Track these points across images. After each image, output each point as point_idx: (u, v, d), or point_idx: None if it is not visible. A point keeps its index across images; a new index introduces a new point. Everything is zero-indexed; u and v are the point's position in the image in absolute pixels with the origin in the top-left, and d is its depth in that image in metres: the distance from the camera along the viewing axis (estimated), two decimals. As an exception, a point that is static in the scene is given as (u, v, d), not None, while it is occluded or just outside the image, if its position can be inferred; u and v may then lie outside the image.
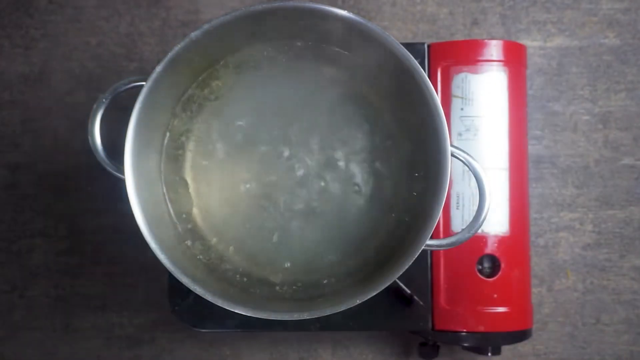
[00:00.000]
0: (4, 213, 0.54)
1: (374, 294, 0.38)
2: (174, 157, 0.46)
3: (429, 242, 0.38)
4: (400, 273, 0.37)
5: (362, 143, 0.45)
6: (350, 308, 0.38)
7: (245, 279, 0.45)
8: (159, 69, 0.40)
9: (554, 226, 0.54)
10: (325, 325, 0.47)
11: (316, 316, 0.39)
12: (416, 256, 0.37)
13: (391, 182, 0.44)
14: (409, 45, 0.42)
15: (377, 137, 0.45)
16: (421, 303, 0.46)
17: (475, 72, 0.46)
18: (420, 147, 0.44)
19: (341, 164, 0.45)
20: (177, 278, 0.39)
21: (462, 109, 0.47)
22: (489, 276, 0.46)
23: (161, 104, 0.44)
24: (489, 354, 0.47)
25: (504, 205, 0.46)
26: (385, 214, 0.44)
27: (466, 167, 0.42)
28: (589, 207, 0.54)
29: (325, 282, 0.45)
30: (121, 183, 0.40)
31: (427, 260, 0.46)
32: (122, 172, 0.40)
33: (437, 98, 0.39)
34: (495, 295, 0.46)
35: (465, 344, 0.46)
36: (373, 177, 0.45)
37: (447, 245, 0.39)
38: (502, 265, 0.46)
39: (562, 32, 0.54)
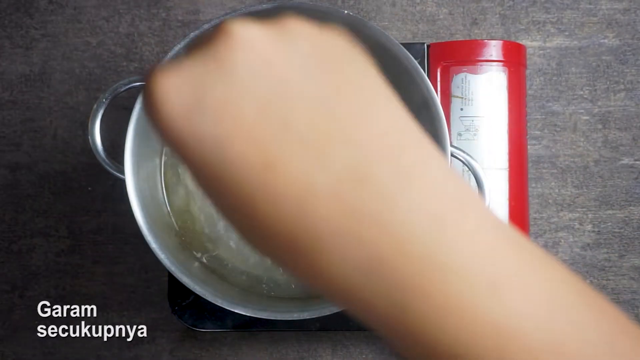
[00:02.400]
0: (4, 213, 0.54)
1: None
2: (174, 157, 0.46)
3: (428, 242, 0.38)
4: (400, 273, 0.37)
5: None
6: (350, 308, 0.38)
7: (245, 279, 0.45)
8: (159, 69, 0.40)
9: (554, 226, 0.54)
10: (325, 325, 0.47)
11: (316, 316, 0.39)
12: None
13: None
14: (408, 45, 0.42)
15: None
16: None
17: (475, 72, 0.46)
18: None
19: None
20: (177, 278, 0.39)
21: (461, 109, 0.47)
22: (488, 276, 0.46)
23: (161, 104, 0.44)
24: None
25: (504, 205, 0.46)
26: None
27: (466, 167, 0.42)
28: (589, 207, 0.54)
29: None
30: (121, 183, 0.40)
31: (426, 260, 0.46)
32: (122, 172, 0.40)
33: (437, 98, 0.39)
34: (495, 295, 0.46)
35: (465, 344, 0.46)
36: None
37: (446, 245, 0.39)
38: (502, 265, 0.46)
39: (562, 32, 0.54)
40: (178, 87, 0.18)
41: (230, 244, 0.46)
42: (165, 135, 0.18)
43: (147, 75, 0.19)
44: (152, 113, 0.18)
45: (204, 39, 0.19)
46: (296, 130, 0.17)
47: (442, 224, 0.17)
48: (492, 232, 0.18)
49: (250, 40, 0.18)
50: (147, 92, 0.18)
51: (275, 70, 0.18)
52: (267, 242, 0.18)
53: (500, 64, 0.47)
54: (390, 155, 0.18)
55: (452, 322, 0.17)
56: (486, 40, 0.47)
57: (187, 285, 0.39)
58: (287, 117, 0.18)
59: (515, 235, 0.19)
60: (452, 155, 0.39)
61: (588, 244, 0.54)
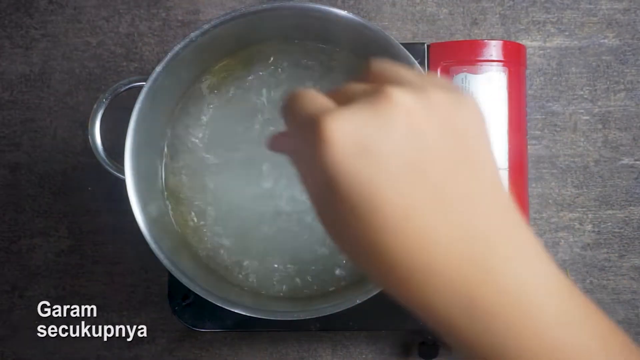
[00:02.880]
0: (4, 213, 0.54)
1: (374, 293, 0.38)
2: (174, 157, 0.46)
3: (428, 242, 0.38)
4: (400, 273, 0.37)
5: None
6: (350, 308, 0.38)
7: (245, 279, 0.45)
8: (159, 69, 0.40)
9: (554, 226, 0.54)
10: (325, 325, 0.47)
11: (316, 316, 0.39)
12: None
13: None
14: (408, 45, 0.42)
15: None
16: (421, 303, 0.46)
17: (475, 72, 0.47)
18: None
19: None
20: (177, 278, 0.39)
21: (461, 109, 0.47)
22: (488, 276, 0.46)
23: (161, 104, 0.44)
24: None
25: (504, 205, 0.46)
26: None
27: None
28: (589, 207, 0.54)
29: (324, 281, 0.45)
30: (121, 183, 0.40)
31: (426, 260, 0.46)
32: (122, 172, 0.40)
33: (437, 98, 0.39)
34: (495, 295, 0.46)
35: (465, 344, 0.46)
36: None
37: (446, 245, 0.39)
38: (502, 265, 0.46)
39: (562, 32, 0.55)
40: (349, 132, 0.21)
41: (231, 244, 0.46)
42: (327, 165, 0.22)
43: (319, 114, 0.22)
44: (321, 146, 0.22)
45: (364, 92, 0.23)
46: (432, 190, 0.22)
47: (531, 282, 0.22)
48: (561, 287, 0.23)
49: (407, 108, 0.22)
50: (320, 128, 0.22)
51: (423, 135, 0.22)
52: (386, 273, 0.22)
53: (500, 64, 0.47)
54: (496, 220, 0.23)
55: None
56: (486, 40, 0.47)
57: (187, 285, 0.39)
58: (427, 176, 0.22)
59: (575, 291, 0.23)
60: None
61: (588, 244, 0.54)
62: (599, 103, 0.54)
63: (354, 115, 0.22)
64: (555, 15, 0.55)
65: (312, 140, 0.22)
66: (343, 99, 0.23)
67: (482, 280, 0.22)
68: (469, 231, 0.22)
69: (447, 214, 0.22)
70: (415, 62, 0.39)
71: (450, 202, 0.22)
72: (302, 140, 0.23)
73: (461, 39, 0.54)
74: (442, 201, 0.22)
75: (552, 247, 0.54)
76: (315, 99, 0.24)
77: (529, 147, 0.51)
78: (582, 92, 0.54)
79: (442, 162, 0.22)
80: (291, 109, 0.24)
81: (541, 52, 0.54)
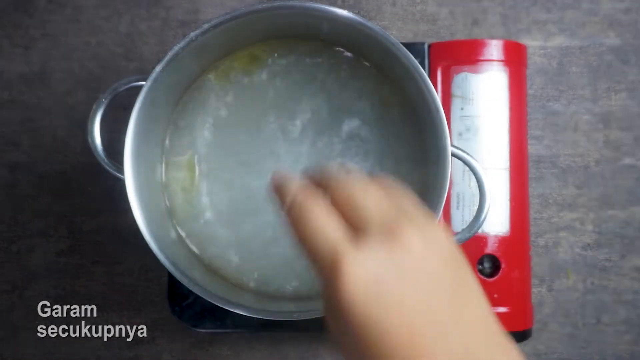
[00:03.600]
0: (4, 213, 0.54)
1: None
2: (174, 157, 0.46)
3: (429, 242, 0.38)
4: (401, 273, 0.37)
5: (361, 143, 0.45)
6: (351, 308, 0.38)
7: (246, 279, 0.45)
8: (158, 69, 0.40)
9: (554, 226, 0.54)
10: (325, 325, 0.47)
11: (316, 316, 0.39)
12: (416, 256, 0.37)
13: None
14: (409, 45, 0.42)
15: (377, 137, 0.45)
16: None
17: (475, 71, 0.46)
18: (421, 147, 0.44)
19: (340, 164, 0.45)
20: (177, 278, 0.39)
21: (462, 109, 0.47)
22: (489, 276, 0.46)
23: (161, 104, 0.44)
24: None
25: (504, 205, 0.46)
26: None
27: (466, 167, 0.42)
28: (590, 207, 0.54)
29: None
30: (121, 183, 0.40)
31: (427, 260, 0.46)
32: (122, 172, 0.40)
33: (437, 98, 0.39)
34: (496, 295, 0.46)
35: (466, 344, 0.46)
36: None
37: (447, 245, 0.39)
38: (503, 265, 0.46)
39: (563, 31, 0.54)
40: (365, 279, 0.24)
41: (231, 245, 0.46)
42: (341, 305, 0.24)
43: (334, 253, 0.25)
44: (337, 289, 0.24)
45: (380, 228, 0.25)
46: (435, 322, 0.25)
47: None
48: None
49: (419, 253, 0.25)
50: (337, 273, 0.24)
51: (427, 273, 0.25)
52: None
53: (501, 63, 0.47)
54: (488, 346, 0.26)
55: None
56: (487, 40, 0.47)
57: (187, 285, 0.39)
58: (431, 310, 0.25)
59: None
60: (452, 155, 0.39)
61: (589, 244, 0.54)
62: (600, 103, 0.54)
63: (370, 262, 0.24)
64: (556, 14, 0.54)
65: (327, 277, 0.25)
66: (355, 221, 0.26)
67: None
68: (460, 354, 0.25)
69: (447, 342, 0.25)
70: (416, 62, 0.39)
71: (449, 331, 0.25)
72: (315, 266, 0.26)
73: (462, 38, 0.54)
74: (443, 330, 0.25)
75: (552, 247, 0.54)
76: (328, 228, 0.26)
77: (529, 146, 0.51)
78: (583, 92, 0.54)
79: (442, 294, 0.25)
80: (300, 227, 0.26)
81: (542, 51, 0.54)
